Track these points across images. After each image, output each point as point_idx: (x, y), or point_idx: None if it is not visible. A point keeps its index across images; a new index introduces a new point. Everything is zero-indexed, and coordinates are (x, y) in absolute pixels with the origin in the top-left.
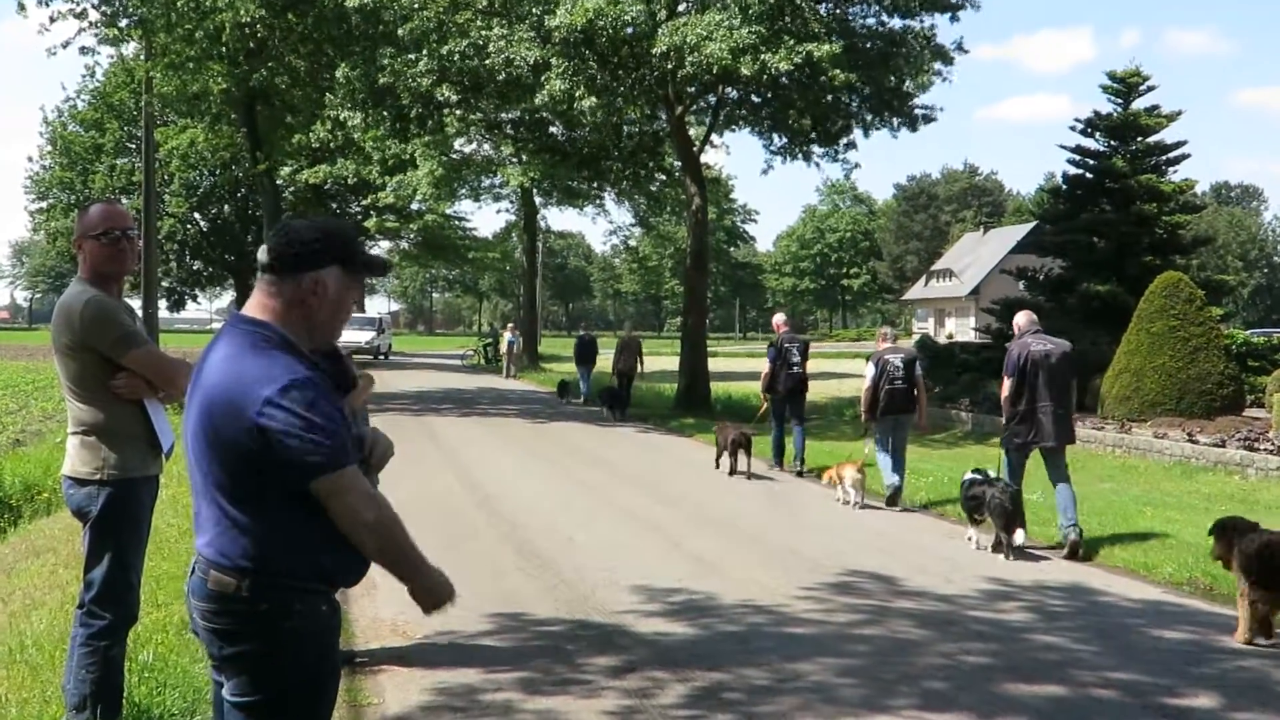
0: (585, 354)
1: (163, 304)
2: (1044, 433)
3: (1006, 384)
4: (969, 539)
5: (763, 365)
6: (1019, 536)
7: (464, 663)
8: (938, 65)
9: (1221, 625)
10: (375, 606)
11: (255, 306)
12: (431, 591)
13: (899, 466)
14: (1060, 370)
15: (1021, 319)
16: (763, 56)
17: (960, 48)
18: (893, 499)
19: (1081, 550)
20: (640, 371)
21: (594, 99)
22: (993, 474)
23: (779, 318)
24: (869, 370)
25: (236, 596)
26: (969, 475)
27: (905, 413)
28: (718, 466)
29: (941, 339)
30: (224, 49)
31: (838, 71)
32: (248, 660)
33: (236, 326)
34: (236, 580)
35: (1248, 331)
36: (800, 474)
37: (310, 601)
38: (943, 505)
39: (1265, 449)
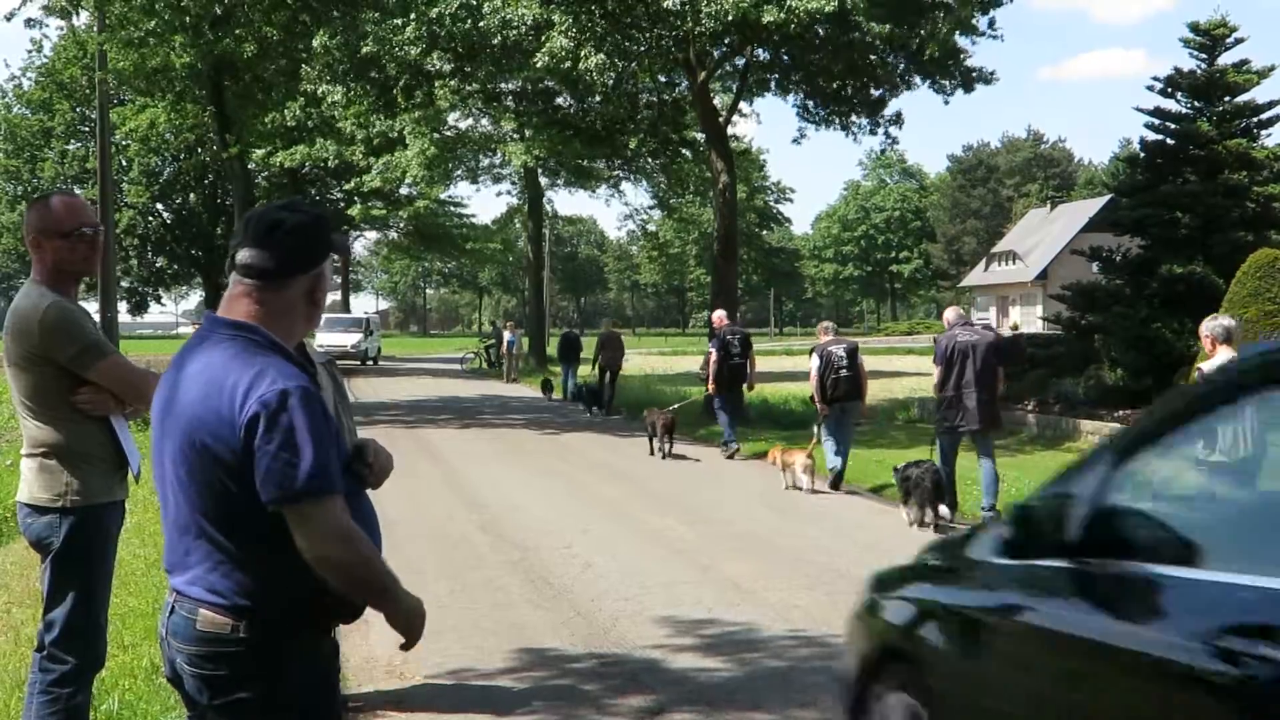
0: (568, 352)
1: (122, 307)
2: (969, 416)
3: (936, 373)
4: (904, 519)
5: (803, 363)
6: (944, 511)
7: (469, 707)
8: (982, 20)
9: None
10: (369, 645)
11: (238, 310)
12: (409, 621)
13: (844, 451)
14: (985, 359)
15: (950, 314)
16: (788, 1)
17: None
18: (836, 483)
19: None
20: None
21: (602, 56)
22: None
23: (718, 313)
24: (814, 362)
25: (232, 638)
26: (903, 464)
27: (851, 399)
28: (652, 453)
29: (1005, 330)
30: (187, 17)
31: (873, 24)
32: (245, 709)
33: (218, 331)
34: (232, 620)
35: None
36: (730, 456)
37: (314, 640)
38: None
39: None
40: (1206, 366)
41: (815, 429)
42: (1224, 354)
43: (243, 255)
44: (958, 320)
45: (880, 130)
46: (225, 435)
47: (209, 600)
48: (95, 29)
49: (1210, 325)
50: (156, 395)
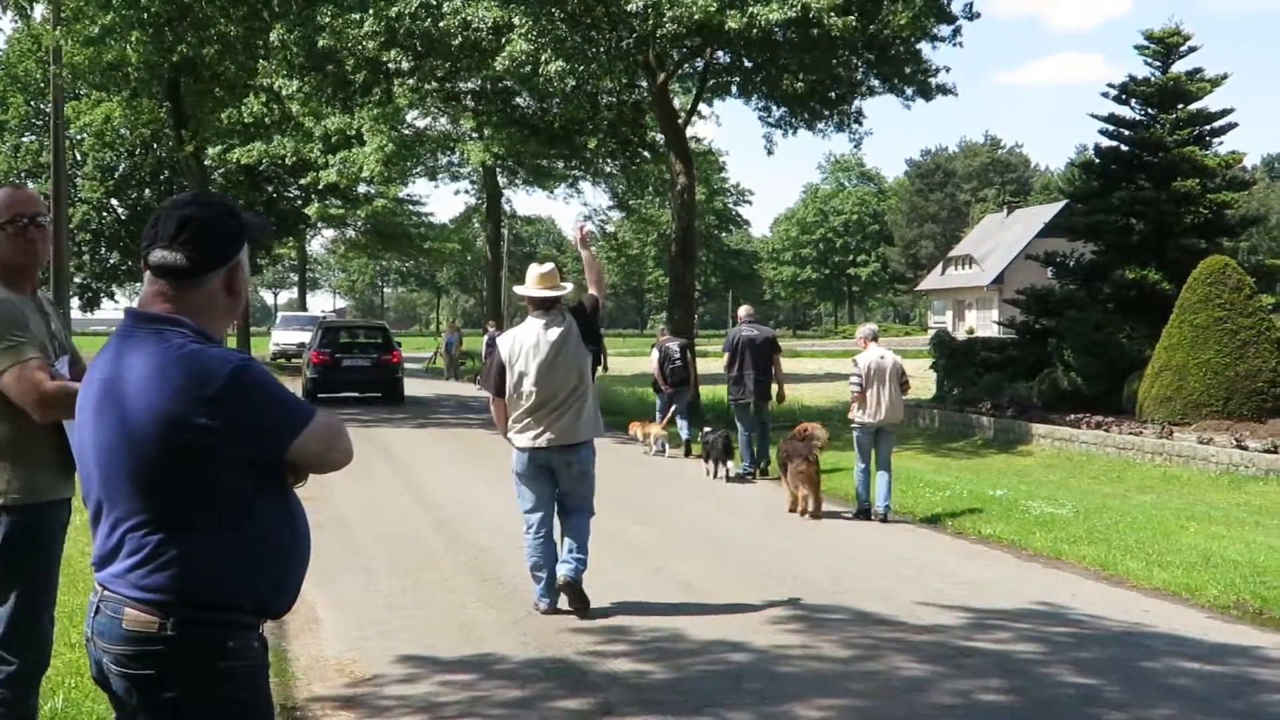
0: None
1: (75, 303)
2: (747, 392)
3: (725, 359)
4: (706, 473)
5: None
6: (731, 468)
7: (419, 706)
8: (946, 27)
9: (1274, 657)
10: (319, 644)
11: (157, 308)
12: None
13: (689, 428)
14: (762, 350)
15: (742, 311)
16: (751, 9)
17: (968, 13)
18: (687, 450)
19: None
20: None
21: (562, 62)
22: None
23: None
24: (654, 355)
25: (160, 637)
26: (706, 429)
27: (684, 385)
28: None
29: (960, 334)
30: (144, 14)
31: (837, 20)
32: (175, 710)
33: (144, 326)
34: (159, 618)
35: None
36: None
37: (244, 637)
38: (960, 519)
39: None
40: (860, 359)
41: (659, 410)
42: (873, 348)
43: (156, 256)
44: (747, 317)
45: (846, 128)
46: (171, 431)
47: (135, 598)
48: (50, 23)
49: (863, 329)
50: (83, 393)
